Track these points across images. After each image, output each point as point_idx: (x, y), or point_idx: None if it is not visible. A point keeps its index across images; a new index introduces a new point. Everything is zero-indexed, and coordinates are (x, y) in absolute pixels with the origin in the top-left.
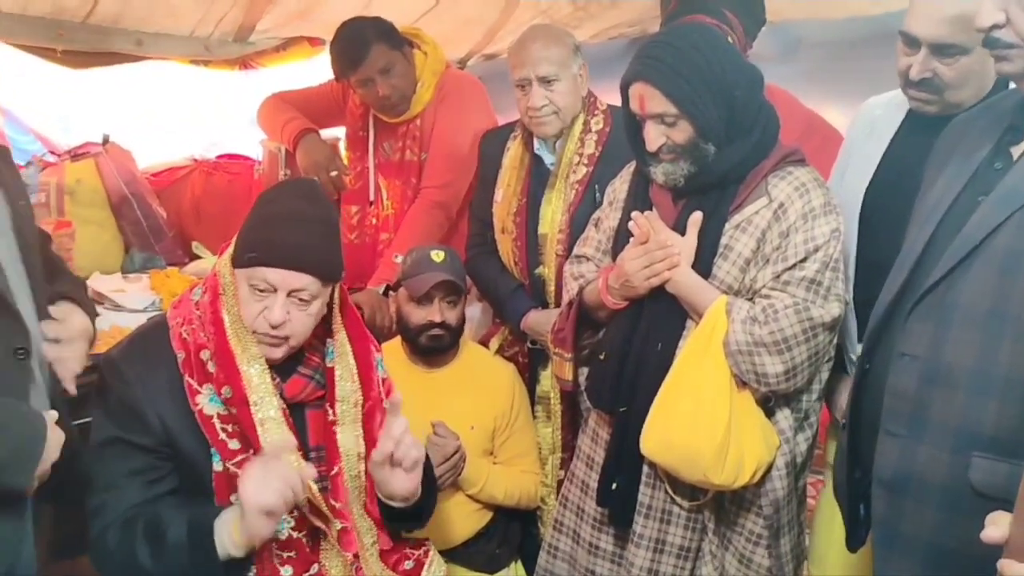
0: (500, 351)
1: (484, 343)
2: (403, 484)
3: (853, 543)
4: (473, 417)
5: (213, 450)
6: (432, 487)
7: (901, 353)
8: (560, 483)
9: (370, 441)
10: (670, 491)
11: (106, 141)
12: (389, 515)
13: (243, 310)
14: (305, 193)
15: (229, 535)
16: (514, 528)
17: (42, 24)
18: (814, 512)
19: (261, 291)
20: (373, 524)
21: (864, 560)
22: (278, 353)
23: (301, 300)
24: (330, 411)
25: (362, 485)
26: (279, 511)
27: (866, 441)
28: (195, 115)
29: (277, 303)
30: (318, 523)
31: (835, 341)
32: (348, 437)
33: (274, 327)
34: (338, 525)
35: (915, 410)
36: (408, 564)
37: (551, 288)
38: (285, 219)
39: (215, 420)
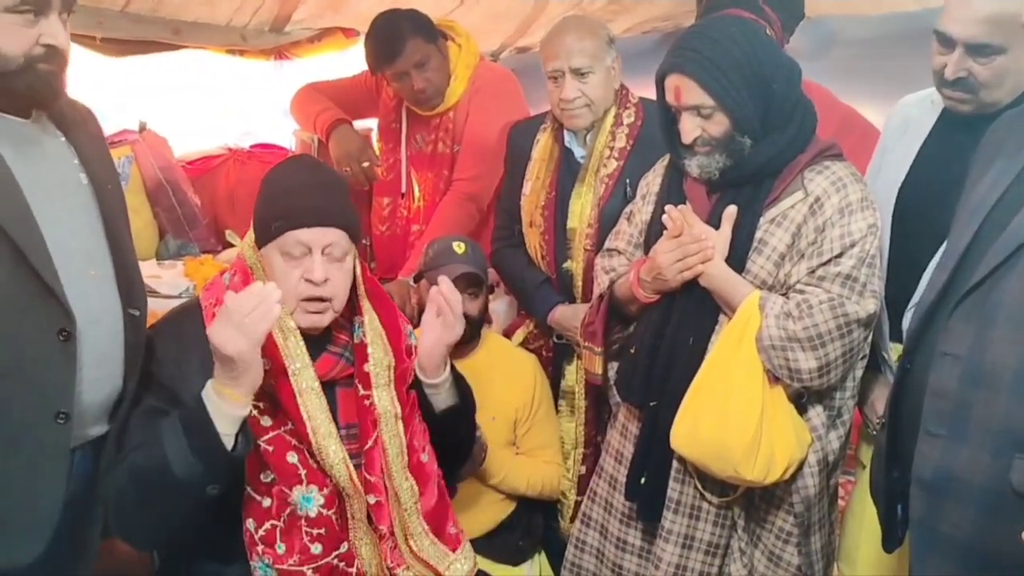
0: (524, 344)
1: (508, 335)
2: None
3: (890, 543)
4: (494, 408)
5: None
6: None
7: (943, 353)
8: (581, 479)
9: (404, 402)
10: (700, 487)
11: (143, 128)
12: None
13: (282, 283)
14: (309, 164)
15: (216, 392)
16: (536, 520)
17: (82, 12)
18: (845, 511)
19: (296, 256)
20: (415, 483)
21: (894, 560)
22: (325, 320)
23: (334, 257)
24: (360, 386)
25: (402, 444)
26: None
27: (905, 441)
28: (230, 104)
29: (316, 261)
30: (353, 502)
31: (870, 338)
32: (384, 399)
33: (318, 284)
34: (371, 500)
35: (956, 410)
36: (452, 529)
37: (579, 283)
38: (300, 186)
39: None
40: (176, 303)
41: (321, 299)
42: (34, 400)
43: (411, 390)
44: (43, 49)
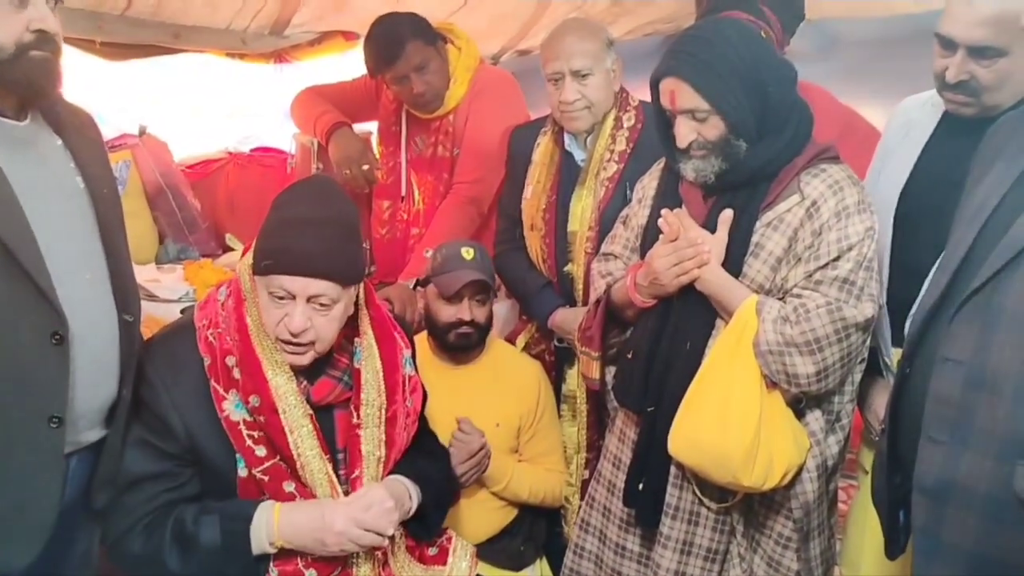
0: (526, 349)
1: (511, 340)
2: None
3: (892, 550)
4: (498, 414)
5: (238, 456)
6: (444, 499)
7: (944, 358)
8: (584, 483)
9: (391, 444)
10: (698, 492)
11: (143, 132)
12: None
13: (264, 317)
14: (319, 194)
15: (268, 535)
16: (539, 526)
17: (82, 16)
18: (847, 516)
19: (280, 298)
20: None
21: (897, 565)
22: (304, 360)
23: (321, 305)
24: (354, 413)
25: None
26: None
27: (906, 447)
28: (230, 108)
29: (297, 310)
30: None
31: (868, 342)
32: (370, 440)
33: (295, 335)
34: None
35: (958, 416)
36: (432, 551)
37: (580, 286)
38: (298, 224)
39: (241, 427)
40: (175, 307)
41: (300, 343)
42: (27, 404)
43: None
44: (33, 35)
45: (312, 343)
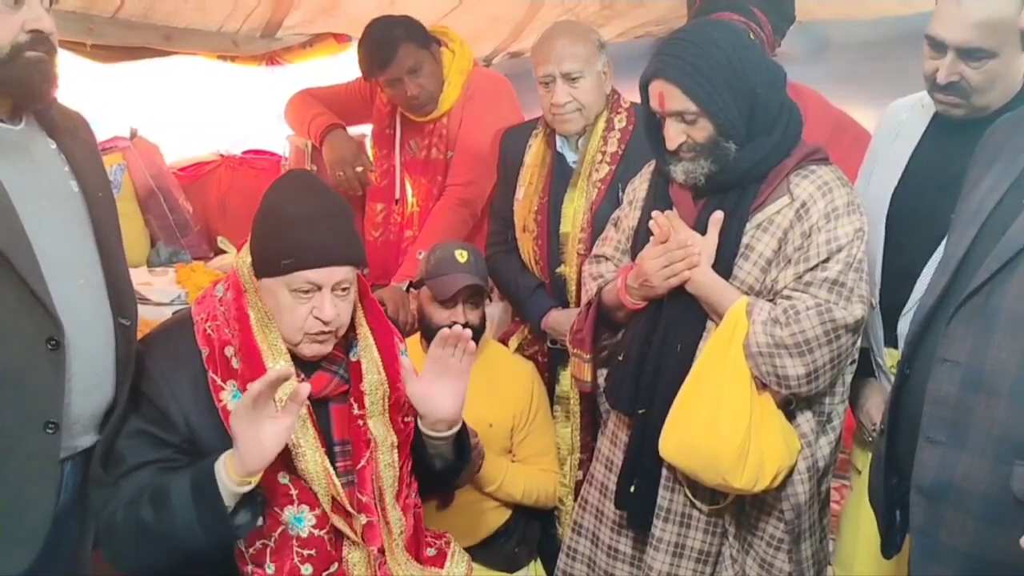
0: (519, 350)
1: (503, 342)
2: (448, 400)
3: (889, 550)
4: (491, 415)
5: None
6: (466, 451)
7: (942, 359)
8: (578, 484)
9: (397, 431)
10: (690, 495)
11: (134, 135)
12: (426, 473)
13: (287, 316)
14: (310, 187)
15: (227, 473)
16: (533, 527)
17: (73, 18)
18: (840, 516)
19: (305, 292)
20: (403, 514)
21: (892, 564)
22: (328, 348)
23: (343, 290)
24: (355, 404)
25: (396, 474)
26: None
27: (904, 447)
28: (222, 110)
29: (326, 300)
30: (340, 525)
31: (858, 343)
32: (379, 428)
33: (327, 322)
34: (363, 519)
35: (956, 417)
36: (430, 551)
37: (572, 288)
38: (307, 218)
39: None
40: (167, 310)
41: (328, 332)
42: (23, 409)
43: (407, 419)
44: (28, 36)
45: (335, 330)
